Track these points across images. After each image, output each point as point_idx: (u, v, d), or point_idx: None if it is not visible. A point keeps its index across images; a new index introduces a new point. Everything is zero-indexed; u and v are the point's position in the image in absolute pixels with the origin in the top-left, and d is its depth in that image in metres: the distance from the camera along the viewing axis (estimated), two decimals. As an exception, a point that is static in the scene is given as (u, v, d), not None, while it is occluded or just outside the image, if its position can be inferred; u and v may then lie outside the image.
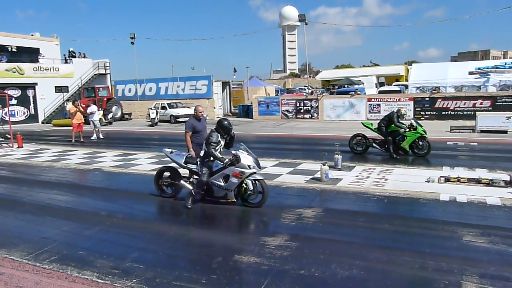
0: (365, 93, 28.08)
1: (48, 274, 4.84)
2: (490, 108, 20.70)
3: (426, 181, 8.71)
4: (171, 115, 27.63)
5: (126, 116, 32.05)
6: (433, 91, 23.31)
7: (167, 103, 28.79)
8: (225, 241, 5.85)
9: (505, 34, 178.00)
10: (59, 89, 32.87)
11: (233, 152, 7.15)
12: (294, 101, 26.62)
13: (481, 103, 21.21)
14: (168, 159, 8.30)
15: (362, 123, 13.42)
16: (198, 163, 7.51)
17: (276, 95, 35.28)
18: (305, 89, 38.82)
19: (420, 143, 11.71)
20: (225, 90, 33.11)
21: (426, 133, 11.68)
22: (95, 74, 34.81)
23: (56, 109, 32.45)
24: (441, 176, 8.97)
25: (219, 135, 7.22)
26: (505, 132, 16.67)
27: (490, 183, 8.34)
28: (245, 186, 7.15)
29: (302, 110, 26.02)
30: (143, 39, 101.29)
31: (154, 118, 26.36)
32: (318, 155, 11.34)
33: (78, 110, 18.29)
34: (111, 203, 8.15)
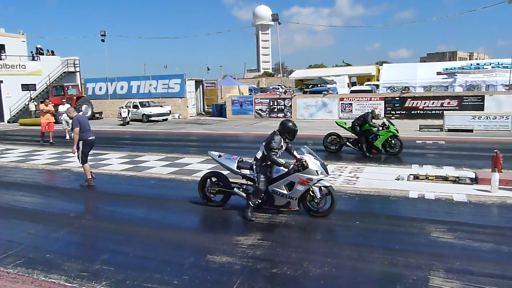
0: (337, 93, 28.46)
1: (13, 279, 4.67)
2: (457, 108, 21.33)
3: (396, 179, 8.89)
4: (143, 114, 27.22)
5: (97, 115, 31.37)
6: (403, 91, 23.86)
7: (139, 102, 28.35)
8: (197, 241, 5.80)
9: (471, 36, 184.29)
10: (26, 87, 31.78)
11: (298, 156, 6.43)
12: (268, 100, 26.70)
13: (448, 103, 21.82)
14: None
15: (336, 123, 13.59)
16: (254, 168, 6.67)
17: (249, 94, 35.32)
18: (278, 88, 39.00)
19: (393, 141, 12.00)
20: (199, 89, 32.89)
21: (398, 132, 11.98)
22: (64, 72, 33.88)
23: (23, 107, 31.40)
24: (410, 174, 9.20)
25: (282, 139, 6.49)
26: (471, 131, 17.24)
27: (457, 180, 8.60)
28: (311, 194, 6.46)
29: (275, 109, 26.13)
30: (115, 37, 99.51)
31: (126, 117, 25.89)
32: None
33: (48, 109, 17.74)
34: (80, 204, 7.96)
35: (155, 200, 8.02)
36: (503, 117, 17.42)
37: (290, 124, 6.52)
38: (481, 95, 21.50)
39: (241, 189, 6.99)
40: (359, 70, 46.84)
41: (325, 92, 26.37)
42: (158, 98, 30.67)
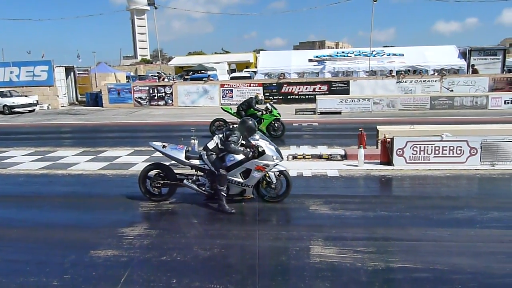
0: (218, 79, 28.75)
1: None
2: (327, 92, 23.17)
3: (276, 160, 9.39)
4: (5, 105, 24.16)
5: None
6: (280, 77, 25.12)
7: (-1, 92, 25.09)
8: (78, 237, 5.42)
9: (336, 27, 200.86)
10: None
11: (253, 142, 6.23)
12: (148, 88, 25.81)
13: (319, 88, 23.59)
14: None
15: (222, 108, 13.83)
16: (204, 157, 6.37)
17: (127, 81, 33.71)
18: (157, 76, 37.92)
19: (276, 125, 12.66)
20: (70, 76, 30.26)
21: (280, 116, 12.65)
22: None
23: None
24: (289, 154, 9.82)
25: (241, 137, 6.26)
26: (340, 113, 18.96)
27: (330, 157, 9.48)
28: (268, 179, 6.40)
29: (156, 97, 25.38)
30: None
31: (-18, 109, 22.76)
32: (175, 141, 11.24)
33: None
34: None
35: (25, 198, 7.29)
36: (365, 100, 19.54)
37: (250, 122, 6.35)
38: (347, 81, 23.70)
39: (191, 181, 6.59)
40: (238, 57, 47.83)
41: (206, 78, 26.43)
42: (22, 87, 27.48)
